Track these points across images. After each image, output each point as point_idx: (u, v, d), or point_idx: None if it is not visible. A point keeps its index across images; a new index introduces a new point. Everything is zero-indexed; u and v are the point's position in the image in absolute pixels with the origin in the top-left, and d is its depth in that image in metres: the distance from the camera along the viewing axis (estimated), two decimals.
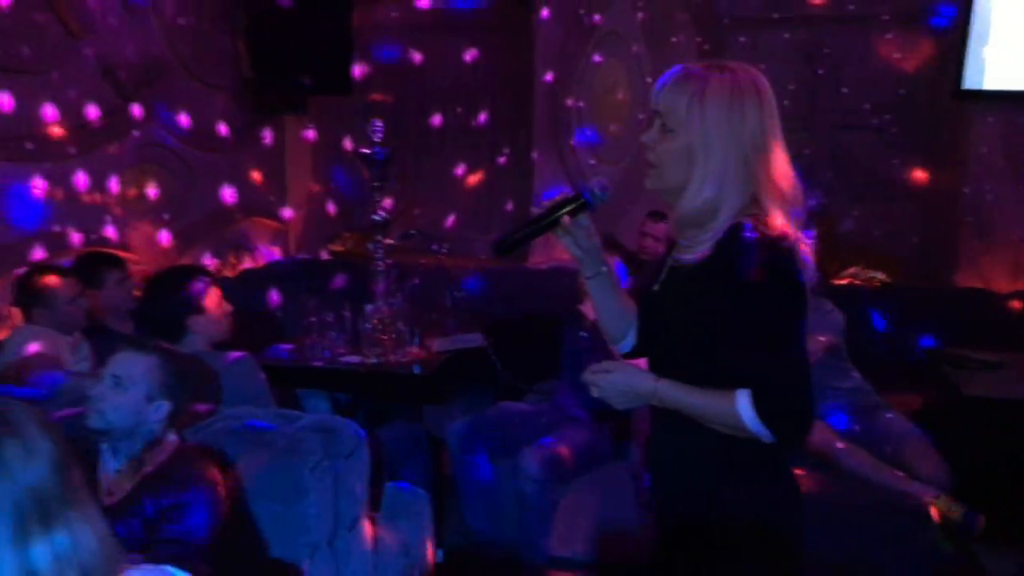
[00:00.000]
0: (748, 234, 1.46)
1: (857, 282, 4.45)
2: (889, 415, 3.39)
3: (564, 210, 1.65)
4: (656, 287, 1.67)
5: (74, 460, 1.15)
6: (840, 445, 3.17)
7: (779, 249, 1.45)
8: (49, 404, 2.59)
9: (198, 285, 2.69)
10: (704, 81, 1.51)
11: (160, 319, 2.64)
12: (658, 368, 1.60)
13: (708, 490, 1.57)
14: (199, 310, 2.67)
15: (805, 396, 1.48)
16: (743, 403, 1.46)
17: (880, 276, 4.44)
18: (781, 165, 1.53)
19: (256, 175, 4.97)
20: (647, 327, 1.71)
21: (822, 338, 3.28)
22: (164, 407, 2.04)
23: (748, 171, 1.50)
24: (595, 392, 1.59)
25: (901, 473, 3.13)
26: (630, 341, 1.78)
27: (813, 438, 3.27)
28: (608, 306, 1.77)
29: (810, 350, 3.16)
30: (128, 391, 2.00)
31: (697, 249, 1.54)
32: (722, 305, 1.47)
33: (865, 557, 2.82)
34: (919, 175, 4.60)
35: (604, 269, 1.74)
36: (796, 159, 4.76)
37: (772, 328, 1.46)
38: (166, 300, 2.66)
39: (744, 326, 1.46)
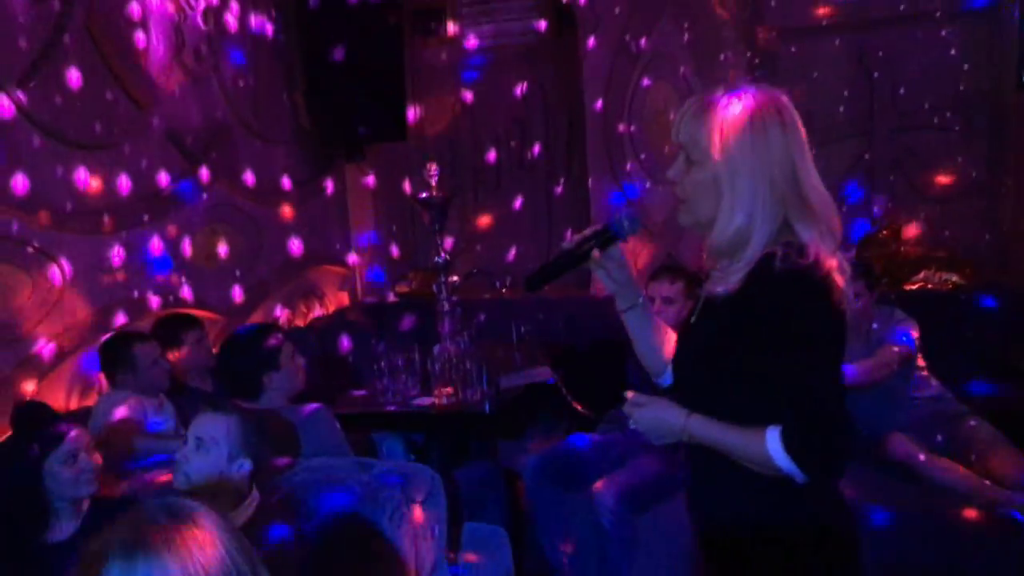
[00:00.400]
0: (779, 264, 1.43)
1: (930, 286, 4.34)
2: (973, 422, 3.29)
3: (593, 243, 1.64)
4: (692, 319, 1.65)
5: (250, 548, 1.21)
6: (922, 457, 3.09)
7: (809, 280, 1.42)
8: (139, 469, 2.72)
9: (271, 342, 2.78)
10: (722, 108, 1.49)
11: (238, 378, 2.74)
12: (691, 402, 1.56)
13: (750, 519, 1.53)
14: (275, 367, 2.76)
15: (836, 433, 1.43)
16: (772, 441, 1.43)
17: (954, 278, 4.32)
18: (813, 185, 1.49)
19: (320, 224, 5.10)
20: (681, 359, 1.67)
21: (896, 349, 3.21)
22: (246, 465, 2.11)
23: (777, 195, 1.47)
24: (632, 424, 1.58)
25: (988, 482, 3.03)
26: (670, 375, 1.74)
27: (896, 451, 3.20)
28: (645, 338, 1.74)
29: (883, 362, 3.12)
30: (211, 452, 2.08)
31: (729, 280, 1.51)
32: (752, 339, 1.44)
33: (957, 570, 2.73)
34: (986, 172, 4.48)
35: (640, 301, 1.72)
36: (857, 165, 4.69)
37: (801, 362, 1.42)
38: (242, 360, 2.76)
39: (774, 360, 1.43)
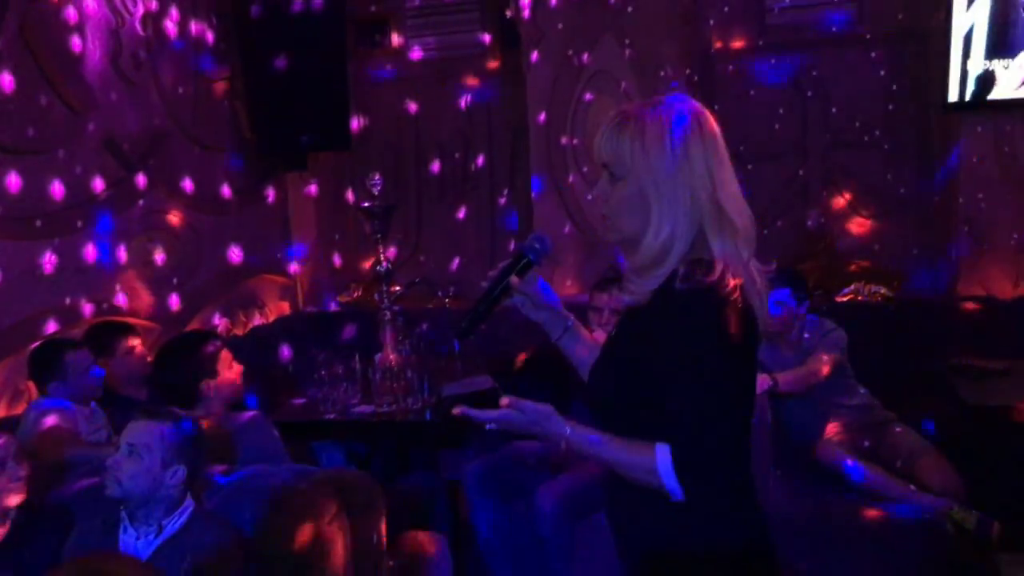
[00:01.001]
0: (679, 283, 1.44)
1: (860, 298, 4.48)
2: (898, 429, 3.40)
3: (509, 272, 1.65)
4: (612, 332, 1.66)
5: None
6: (849, 462, 3.19)
7: (707, 300, 1.41)
8: (69, 473, 2.66)
9: (209, 349, 2.75)
10: (641, 121, 1.48)
11: (174, 386, 2.71)
12: (599, 414, 1.56)
13: (664, 542, 1.53)
14: (212, 374, 2.73)
15: (712, 454, 1.43)
16: (662, 456, 1.42)
17: (882, 291, 4.46)
18: (731, 194, 1.49)
19: (261, 233, 5.06)
20: (593, 370, 1.65)
21: (825, 357, 3.31)
22: (180, 472, 2.09)
23: (697, 206, 1.46)
24: (489, 426, 1.53)
25: (913, 486, 3.14)
26: None
27: (823, 456, 3.29)
28: (584, 362, 1.71)
29: (814, 369, 3.21)
30: (143, 459, 2.06)
31: (638, 293, 1.51)
32: (649, 354, 1.45)
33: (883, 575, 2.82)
34: (914, 189, 4.65)
35: (570, 324, 1.73)
36: (792, 180, 4.82)
37: (688, 381, 1.41)
38: (178, 367, 2.73)
39: (666, 378, 1.43)
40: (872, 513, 3.06)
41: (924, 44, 4.57)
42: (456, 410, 1.54)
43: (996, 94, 4.26)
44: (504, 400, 1.53)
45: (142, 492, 2.05)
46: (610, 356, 1.60)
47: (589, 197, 5.03)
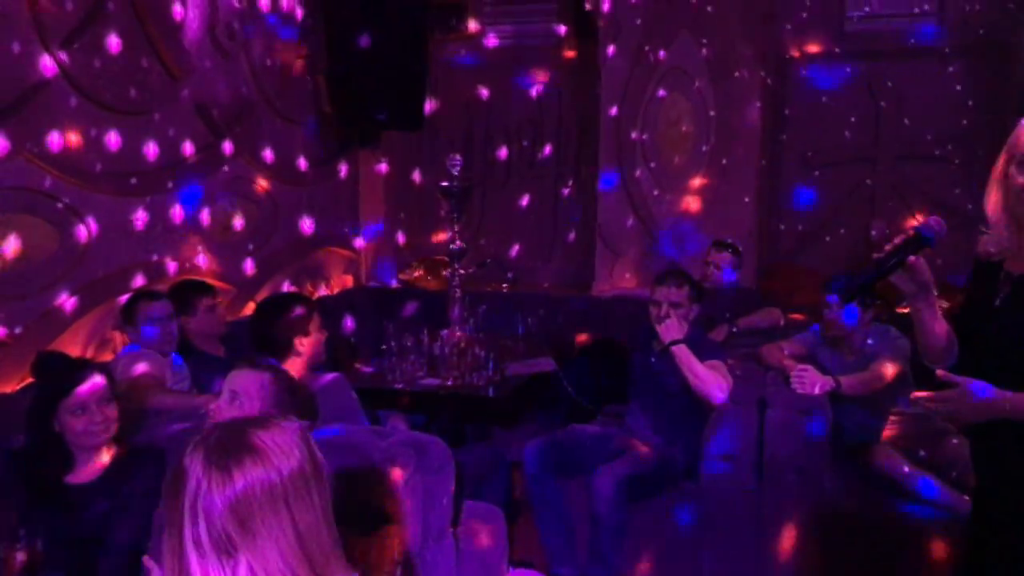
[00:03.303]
0: None
1: None
2: (955, 441, 3.42)
3: (908, 251, 1.77)
4: (997, 303, 1.80)
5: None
6: (907, 469, 3.23)
7: None
8: (159, 419, 2.81)
9: (304, 309, 2.89)
10: None
11: (271, 338, 2.85)
12: (1007, 381, 1.72)
13: None
14: (305, 332, 2.87)
15: None
16: None
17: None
18: None
19: (331, 206, 5.20)
20: (990, 343, 1.82)
21: (890, 363, 3.35)
22: None
23: None
24: (943, 414, 1.79)
25: (967, 497, 3.17)
26: (952, 359, 1.89)
27: (881, 460, 3.34)
28: (932, 330, 1.87)
29: (877, 374, 3.26)
30: (244, 406, 2.18)
31: None
32: None
33: None
34: (981, 204, 4.63)
35: (934, 295, 1.86)
36: (858, 189, 4.82)
37: None
38: (277, 321, 2.87)
39: None
40: (921, 520, 3.12)
41: (1004, 59, 4.55)
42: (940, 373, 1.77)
43: None
44: (940, 373, 1.79)
45: None
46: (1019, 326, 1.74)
47: (655, 192, 5.09)
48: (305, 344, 2.86)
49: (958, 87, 4.65)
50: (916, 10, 4.75)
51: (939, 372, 1.77)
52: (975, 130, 4.64)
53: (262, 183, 4.54)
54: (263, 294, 4.51)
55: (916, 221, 2.12)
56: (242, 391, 2.18)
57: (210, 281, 3.92)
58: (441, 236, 5.18)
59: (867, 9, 4.85)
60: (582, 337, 4.37)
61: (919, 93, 4.75)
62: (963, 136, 4.67)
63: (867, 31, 4.85)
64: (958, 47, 4.65)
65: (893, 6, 4.84)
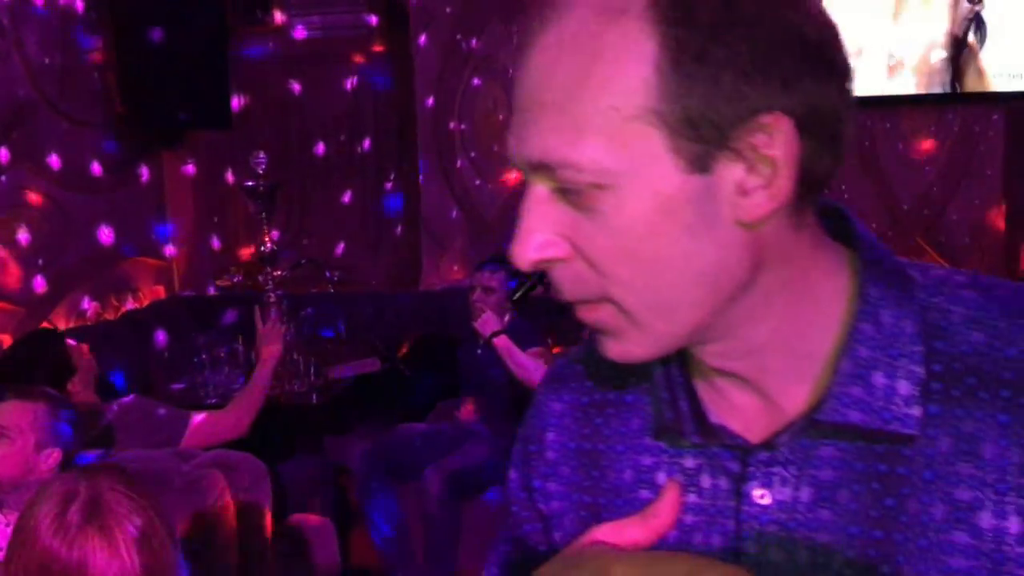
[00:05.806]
0: None
1: None
2: None
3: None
4: None
5: None
6: None
7: None
8: None
9: (56, 351, 2.65)
10: None
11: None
12: None
13: None
14: (72, 371, 2.63)
15: None
16: None
17: None
18: None
19: (135, 213, 4.84)
20: None
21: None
22: (54, 455, 1.99)
23: None
24: None
25: None
26: None
27: None
28: None
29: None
30: (15, 442, 1.95)
31: None
32: None
33: None
34: None
35: None
36: None
37: None
38: (39, 375, 2.60)
39: None
40: None
41: None
42: None
43: None
44: None
45: (12, 477, 1.95)
46: None
47: (477, 182, 5.06)
48: (77, 381, 2.61)
49: None
50: None
51: None
52: None
53: (48, 192, 4.16)
54: (59, 312, 4.15)
55: None
56: (12, 426, 1.95)
57: None
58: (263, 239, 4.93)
59: None
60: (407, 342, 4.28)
61: None
62: None
63: None
64: None
65: None
